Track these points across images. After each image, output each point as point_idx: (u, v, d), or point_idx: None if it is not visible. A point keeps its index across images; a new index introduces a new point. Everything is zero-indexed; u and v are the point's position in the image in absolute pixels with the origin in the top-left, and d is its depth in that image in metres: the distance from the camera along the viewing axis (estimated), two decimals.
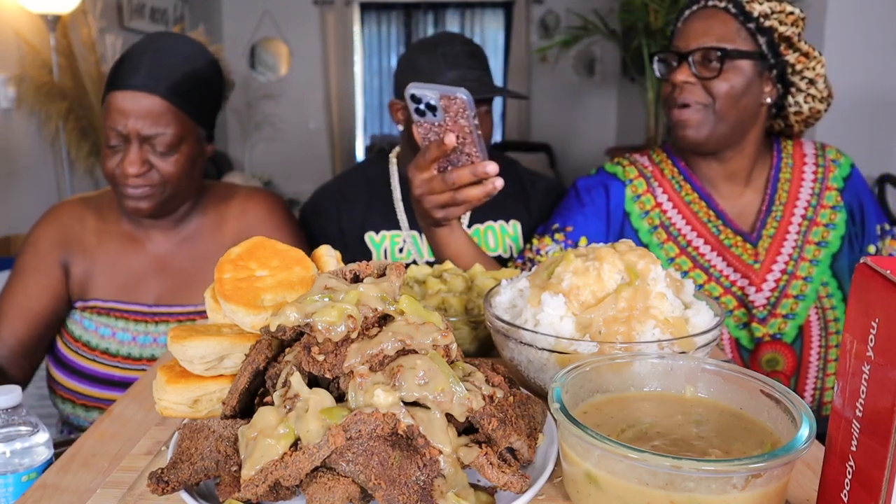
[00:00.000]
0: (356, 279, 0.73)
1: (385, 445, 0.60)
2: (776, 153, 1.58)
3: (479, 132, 1.12)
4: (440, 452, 0.61)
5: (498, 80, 7.55)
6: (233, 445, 0.65)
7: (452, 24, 7.42)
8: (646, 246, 1.52)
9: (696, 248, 1.51)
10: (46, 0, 3.50)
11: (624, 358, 0.75)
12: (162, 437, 0.85)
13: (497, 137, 7.58)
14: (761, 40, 1.43)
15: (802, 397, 1.50)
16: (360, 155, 7.57)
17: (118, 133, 1.40)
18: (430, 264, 1.75)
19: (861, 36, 3.59)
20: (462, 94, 1.07)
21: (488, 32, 7.50)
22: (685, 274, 1.50)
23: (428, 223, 1.30)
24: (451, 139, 1.12)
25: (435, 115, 1.12)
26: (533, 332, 0.83)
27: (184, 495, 0.64)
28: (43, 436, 0.87)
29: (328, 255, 0.87)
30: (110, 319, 1.49)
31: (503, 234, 1.79)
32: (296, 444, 0.62)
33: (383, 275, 0.73)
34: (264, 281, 0.80)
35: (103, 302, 1.50)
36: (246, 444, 0.63)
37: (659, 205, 1.55)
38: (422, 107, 1.12)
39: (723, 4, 1.43)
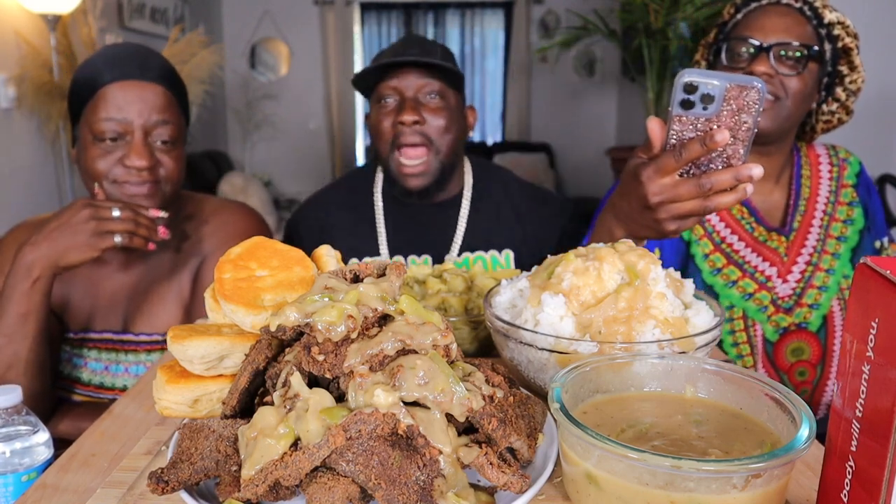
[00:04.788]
0: (356, 279, 0.73)
1: (385, 445, 0.60)
2: (795, 152, 1.62)
3: (756, 130, 0.99)
4: (440, 452, 0.61)
5: (498, 80, 7.56)
6: (233, 445, 0.65)
7: (452, 24, 7.43)
8: (688, 244, 1.55)
9: (731, 245, 1.54)
10: (46, 0, 3.50)
11: (624, 358, 0.75)
12: (162, 437, 0.85)
13: (497, 137, 7.58)
14: (827, 47, 1.46)
15: (827, 385, 1.54)
16: (360, 155, 7.57)
17: (117, 124, 1.33)
18: None
19: (861, 36, 3.59)
20: (759, 83, 0.95)
21: (488, 32, 7.50)
22: (718, 271, 1.53)
23: (642, 234, 1.13)
24: (724, 136, 0.97)
25: (706, 109, 0.98)
26: (533, 332, 0.83)
27: (184, 495, 0.64)
28: (43, 436, 0.88)
29: (328, 255, 0.87)
30: (82, 349, 1.45)
31: (494, 266, 1.68)
32: (296, 444, 0.62)
33: (383, 275, 0.73)
34: (264, 281, 0.79)
35: (74, 333, 1.45)
36: (246, 443, 0.63)
37: None
38: (693, 98, 0.98)
39: (798, 5, 1.46)
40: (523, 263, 1.68)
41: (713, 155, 1.01)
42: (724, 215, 1.55)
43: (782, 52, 1.42)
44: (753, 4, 1.50)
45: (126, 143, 1.35)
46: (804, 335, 1.53)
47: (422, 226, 1.71)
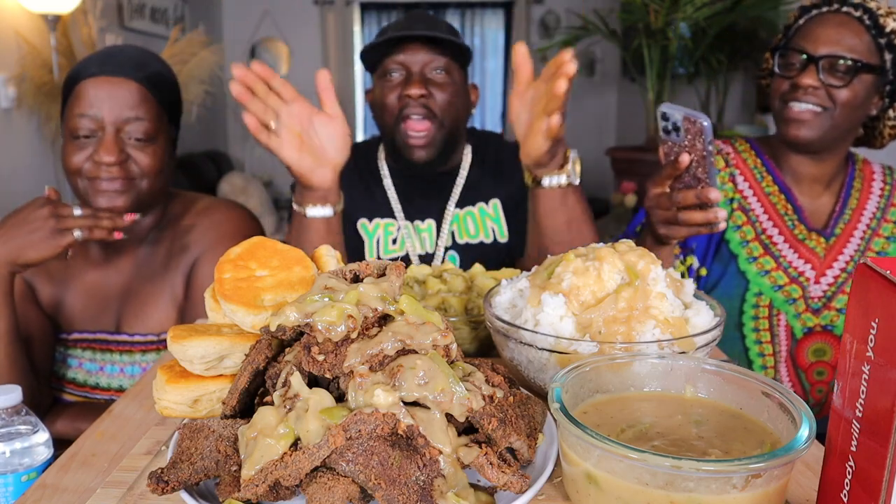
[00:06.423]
0: (356, 279, 0.73)
1: (385, 445, 0.60)
2: (850, 163, 1.64)
3: (713, 159, 1.16)
4: (440, 452, 0.61)
5: (498, 80, 7.57)
6: (233, 445, 0.65)
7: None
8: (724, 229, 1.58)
9: (770, 237, 1.57)
10: (46, 0, 3.50)
11: (624, 358, 0.75)
12: (162, 437, 0.85)
13: None
14: (887, 56, 1.47)
15: None
16: None
17: (90, 121, 1.32)
18: (423, 257, 1.73)
19: None
20: (703, 120, 1.13)
21: (488, 32, 7.49)
22: (754, 259, 1.56)
23: (654, 239, 1.33)
24: (685, 159, 1.18)
25: (678, 136, 1.18)
26: (533, 332, 0.83)
27: (184, 495, 0.64)
28: (43, 436, 0.88)
29: (328, 255, 0.87)
30: (77, 350, 1.45)
31: (483, 217, 1.74)
32: (296, 444, 0.62)
33: (383, 275, 0.73)
34: (264, 281, 0.79)
35: (68, 334, 1.45)
36: (246, 443, 0.63)
37: (740, 191, 1.61)
38: (669, 125, 1.19)
39: (857, 14, 1.46)
40: (511, 211, 1.73)
41: (691, 176, 1.20)
42: (768, 209, 1.58)
43: (833, 64, 1.43)
44: (814, 12, 1.51)
45: (98, 140, 1.35)
46: (829, 337, 1.56)
47: (424, 193, 1.75)
